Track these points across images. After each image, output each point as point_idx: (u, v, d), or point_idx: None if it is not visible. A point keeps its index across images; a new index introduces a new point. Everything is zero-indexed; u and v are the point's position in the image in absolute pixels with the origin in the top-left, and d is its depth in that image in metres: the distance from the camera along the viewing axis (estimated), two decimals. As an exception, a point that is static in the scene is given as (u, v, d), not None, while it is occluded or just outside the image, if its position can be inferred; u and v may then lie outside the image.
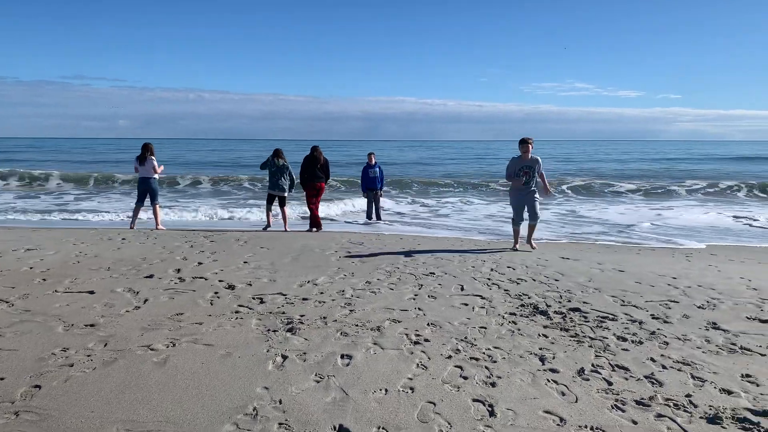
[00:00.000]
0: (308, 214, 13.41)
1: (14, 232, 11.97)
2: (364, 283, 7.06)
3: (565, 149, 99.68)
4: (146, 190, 12.74)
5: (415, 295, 6.48)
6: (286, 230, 12.87)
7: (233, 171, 35.57)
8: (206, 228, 13.48)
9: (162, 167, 13.18)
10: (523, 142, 9.94)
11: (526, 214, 10.32)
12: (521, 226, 10.52)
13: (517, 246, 10.24)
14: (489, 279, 7.34)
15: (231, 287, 6.72)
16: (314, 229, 13.05)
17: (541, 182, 10.16)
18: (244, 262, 8.30)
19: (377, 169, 15.35)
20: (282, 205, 13.06)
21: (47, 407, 3.58)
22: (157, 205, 12.92)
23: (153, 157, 12.70)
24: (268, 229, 12.98)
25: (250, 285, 6.85)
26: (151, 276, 7.25)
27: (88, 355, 4.45)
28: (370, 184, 15.37)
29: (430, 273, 7.69)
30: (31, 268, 7.66)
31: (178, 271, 7.60)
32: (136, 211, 12.98)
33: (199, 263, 8.17)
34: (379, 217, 15.57)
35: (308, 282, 7.06)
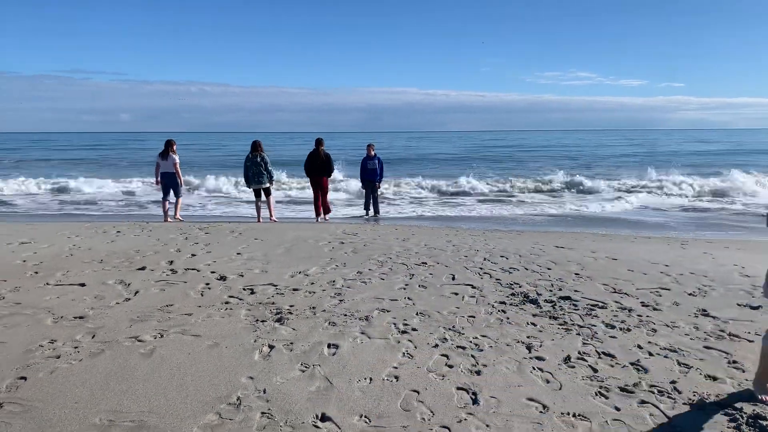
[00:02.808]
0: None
1: (10, 225, 12.00)
2: (355, 273, 7.05)
3: (581, 138, 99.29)
4: (168, 185, 13.30)
5: (406, 284, 6.47)
6: (272, 220, 13.34)
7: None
8: (203, 220, 13.60)
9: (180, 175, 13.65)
10: None
11: None
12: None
13: None
14: (481, 268, 7.33)
15: (222, 278, 6.73)
16: (323, 216, 13.92)
17: None
18: (237, 254, 8.31)
19: (376, 161, 15.19)
20: (267, 194, 13.35)
21: (32, 398, 3.60)
22: (179, 199, 13.57)
23: (175, 155, 13.20)
24: (260, 221, 13.34)
25: (242, 276, 6.86)
26: (143, 268, 7.25)
27: (75, 347, 4.46)
28: (369, 176, 15.24)
29: (422, 263, 7.68)
30: (24, 261, 7.68)
31: (171, 263, 7.62)
32: (164, 205, 13.49)
33: (193, 255, 8.18)
34: (377, 211, 15.43)
35: (299, 273, 7.06)
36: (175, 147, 13.27)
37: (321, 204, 13.97)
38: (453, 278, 6.81)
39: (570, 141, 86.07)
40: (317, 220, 13.89)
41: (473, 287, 6.38)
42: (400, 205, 18.19)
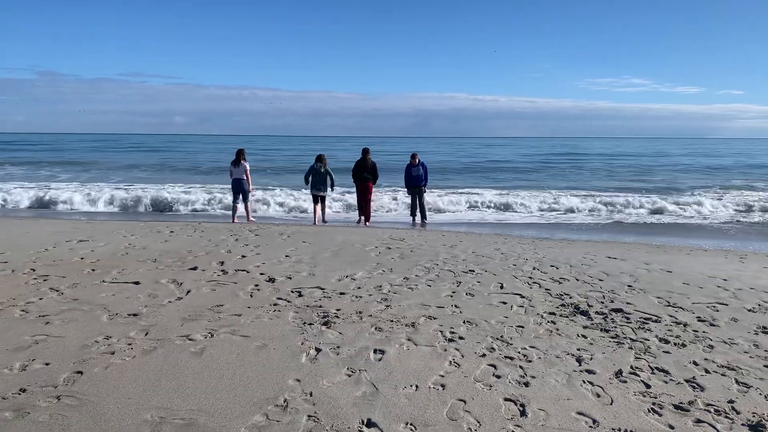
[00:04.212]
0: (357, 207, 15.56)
1: (70, 223, 12.44)
2: (402, 278, 7.05)
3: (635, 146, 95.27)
4: (239, 190, 14.41)
5: (453, 292, 6.44)
6: (324, 222, 14.62)
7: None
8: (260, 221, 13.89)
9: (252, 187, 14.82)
10: None
11: None
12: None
13: None
14: (530, 278, 7.23)
15: (271, 280, 6.83)
16: (364, 222, 14.68)
17: None
18: (286, 256, 8.41)
19: (420, 167, 15.15)
20: (322, 202, 14.76)
21: (87, 393, 3.71)
22: (248, 203, 14.71)
23: (246, 162, 14.38)
24: (316, 224, 14.26)
25: (290, 278, 6.94)
26: (195, 268, 7.41)
27: (129, 344, 4.59)
28: (414, 182, 15.18)
29: (470, 270, 7.62)
30: (82, 258, 7.95)
31: (222, 263, 7.77)
32: (234, 208, 14.65)
33: (243, 256, 8.32)
34: (424, 217, 15.35)
35: (346, 277, 7.11)
36: (245, 155, 14.47)
37: (364, 210, 14.86)
38: (501, 287, 6.74)
39: (636, 149, 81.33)
40: (359, 222, 14.71)
41: (522, 297, 6.29)
42: (448, 211, 18.11)
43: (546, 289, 6.65)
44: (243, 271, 7.33)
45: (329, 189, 14.62)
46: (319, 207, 14.61)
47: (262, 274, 7.17)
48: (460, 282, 6.94)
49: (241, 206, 14.54)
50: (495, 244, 10.38)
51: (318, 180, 14.32)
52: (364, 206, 14.81)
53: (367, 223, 14.62)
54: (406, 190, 15.73)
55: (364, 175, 14.63)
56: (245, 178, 14.21)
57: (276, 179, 27.51)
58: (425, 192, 15.47)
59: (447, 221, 16.01)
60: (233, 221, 14.05)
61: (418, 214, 15.37)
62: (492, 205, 18.83)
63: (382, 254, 8.79)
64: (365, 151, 14.97)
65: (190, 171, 34.75)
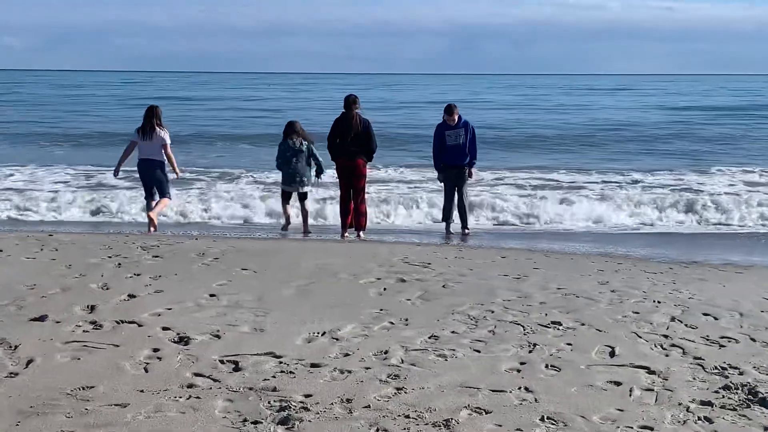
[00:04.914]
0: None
1: None
2: (426, 338, 6.50)
3: None
4: (152, 178, 14.06)
5: (522, 362, 5.89)
6: (305, 232, 14.77)
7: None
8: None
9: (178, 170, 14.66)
10: None
11: None
12: None
13: None
14: (666, 336, 6.68)
15: (183, 340, 6.27)
16: (350, 234, 14.20)
17: None
18: (211, 296, 7.84)
19: (462, 130, 14.85)
20: (302, 199, 14.69)
21: None
22: (167, 200, 14.39)
23: (163, 130, 13.90)
24: (289, 227, 14.79)
25: (217, 337, 6.38)
26: (41, 318, 6.83)
27: None
28: (451, 158, 14.84)
29: (553, 323, 7.10)
30: None
31: (91, 309, 7.19)
32: (150, 208, 14.17)
33: (131, 296, 7.71)
34: (465, 222, 15.14)
35: (322, 334, 6.58)
36: (161, 116, 13.87)
37: (353, 209, 14.03)
38: (612, 354, 6.19)
39: None
40: (344, 236, 14.20)
41: (650, 372, 5.79)
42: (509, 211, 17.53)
43: (695, 358, 6.13)
44: (131, 323, 6.72)
45: (313, 179, 14.43)
46: (291, 209, 14.43)
47: (166, 329, 6.58)
48: (534, 344, 6.37)
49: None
50: (600, 273, 9.77)
51: (294, 166, 14.17)
52: (354, 203, 13.95)
53: (360, 233, 13.72)
54: (436, 173, 15.50)
55: (349, 148, 13.76)
56: (162, 157, 13.71)
57: (208, 152, 27.60)
58: (471, 178, 15.19)
59: (508, 231, 15.87)
60: (150, 230, 13.59)
61: (456, 216, 15.16)
62: (594, 198, 18.32)
63: (389, 292, 8.23)
64: (350, 102, 13.98)
65: (37, 139, 34.81)
